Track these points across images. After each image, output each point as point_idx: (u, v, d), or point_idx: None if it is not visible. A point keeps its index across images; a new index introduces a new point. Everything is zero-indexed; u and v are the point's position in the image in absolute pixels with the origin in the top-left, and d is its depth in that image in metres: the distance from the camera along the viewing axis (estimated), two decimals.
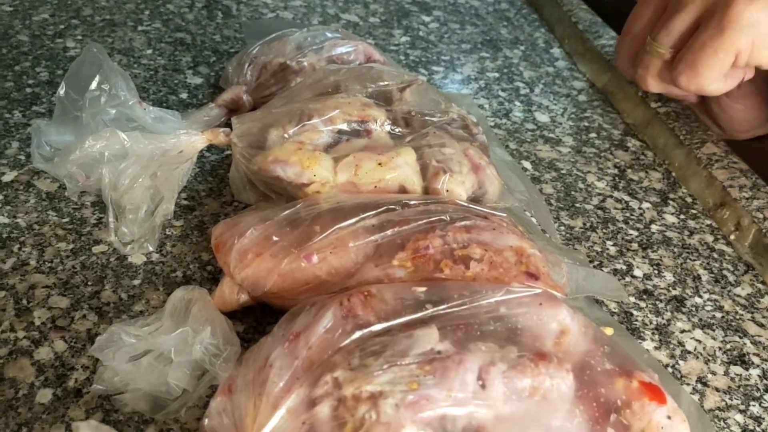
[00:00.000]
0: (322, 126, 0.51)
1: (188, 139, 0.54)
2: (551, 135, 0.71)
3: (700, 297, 0.54)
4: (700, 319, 0.52)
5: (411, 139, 0.52)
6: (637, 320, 0.51)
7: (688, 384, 0.47)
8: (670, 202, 0.64)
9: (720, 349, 0.50)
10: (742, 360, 0.49)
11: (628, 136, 0.72)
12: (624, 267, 0.56)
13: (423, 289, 0.41)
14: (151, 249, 0.53)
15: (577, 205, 0.62)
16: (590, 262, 0.56)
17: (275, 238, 0.45)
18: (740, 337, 0.51)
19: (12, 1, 0.85)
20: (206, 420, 0.39)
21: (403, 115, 0.54)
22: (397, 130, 0.53)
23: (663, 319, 0.52)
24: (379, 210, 0.45)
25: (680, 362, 0.49)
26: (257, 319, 0.48)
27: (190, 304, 0.46)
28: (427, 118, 0.54)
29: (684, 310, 0.53)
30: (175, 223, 0.56)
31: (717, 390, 0.47)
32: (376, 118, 0.53)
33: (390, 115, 0.53)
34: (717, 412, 0.45)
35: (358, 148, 0.50)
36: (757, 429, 0.45)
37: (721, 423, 0.45)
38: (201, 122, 0.63)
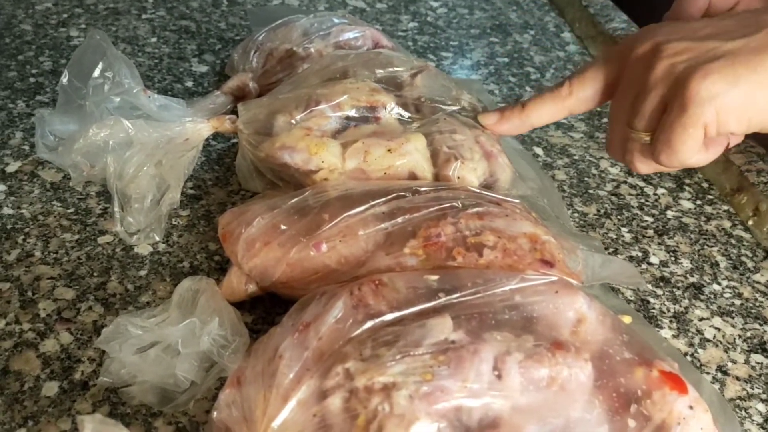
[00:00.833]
0: (330, 112, 0.50)
1: (194, 126, 0.53)
2: (563, 121, 0.70)
3: (719, 284, 0.53)
4: (719, 307, 0.51)
5: (421, 125, 0.51)
6: (654, 308, 0.50)
7: (707, 373, 0.46)
8: (686, 188, 0.62)
9: (740, 336, 0.49)
10: (763, 348, 0.48)
11: None
12: (640, 254, 0.55)
13: (435, 277, 0.40)
14: (157, 239, 0.52)
15: (591, 191, 0.61)
16: (605, 249, 0.54)
17: (283, 227, 0.44)
18: (760, 325, 0.50)
19: None
20: (215, 413, 0.38)
21: (413, 101, 0.53)
22: (406, 116, 0.52)
23: (681, 306, 0.51)
24: (389, 197, 0.44)
25: (699, 351, 0.48)
26: (266, 309, 0.48)
27: (197, 295, 0.45)
28: (437, 104, 0.53)
29: (702, 297, 0.52)
30: (182, 212, 0.55)
31: (737, 379, 0.46)
32: (385, 104, 0.51)
33: (399, 100, 0.52)
34: (738, 401, 0.44)
35: (366, 134, 0.49)
36: None
37: (743, 413, 0.44)
38: (206, 110, 0.62)
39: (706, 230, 0.58)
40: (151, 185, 0.51)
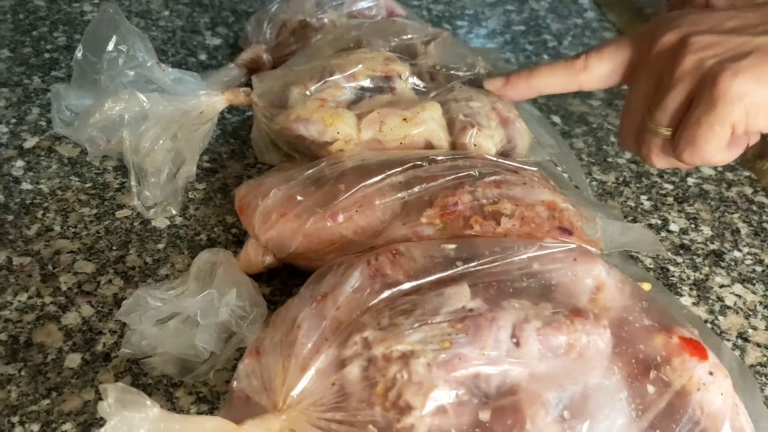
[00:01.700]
0: (344, 82, 0.50)
1: (208, 99, 0.53)
2: None
3: (740, 251, 0.52)
4: (740, 274, 0.50)
5: (436, 93, 0.50)
6: (674, 276, 0.50)
7: (728, 340, 0.46)
8: None
9: (761, 303, 0.48)
10: None
11: None
12: (659, 222, 0.54)
13: (452, 246, 0.39)
14: (174, 212, 0.52)
15: (609, 159, 0.60)
16: (624, 217, 0.54)
17: (299, 198, 0.44)
18: None
19: None
20: (235, 382, 0.38)
21: (428, 69, 0.52)
22: (422, 85, 0.51)
23: (701, 274, 0.50)
24: (406, 166, 0.44)
25: (720, 318, 0.47)
26: (283, 281, 0.48)
27: (215, 267, 0.45)
28: (452, 72, 0.52)
29: (723, 264, 0.51)
30: (198, 186, 0.55)
31: (758, 345, 0.45)
32: (400, 73, 0.51)
33: (414, 69, 0.52)
34: (759, 367, 0.44)
35: (382, 104, 0.49)
36: None
37: (763, 379, 0.43)
38: (221, 83, 0.61)
39: (727, 197, 0.57)
40: (166, 159, 0.51)
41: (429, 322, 0.35)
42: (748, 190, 0.58)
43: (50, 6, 0.76)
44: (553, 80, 0.48)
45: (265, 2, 0.72)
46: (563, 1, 0.84)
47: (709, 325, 0.46)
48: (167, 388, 0.41)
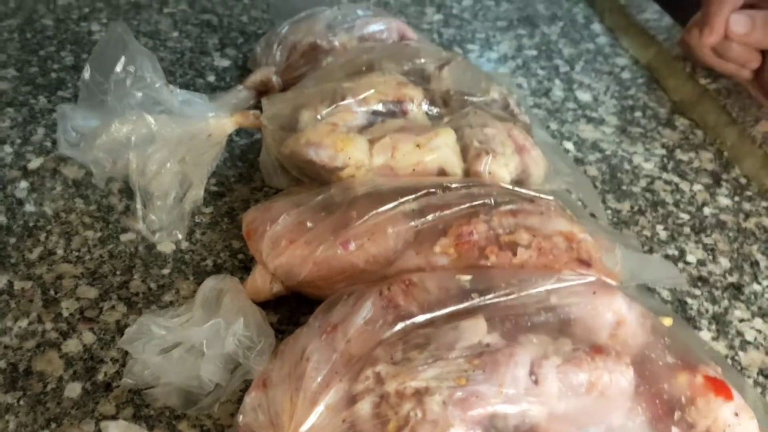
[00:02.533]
0: (356, 106, 0.49)
1: (217, 122, 0.52)
2: (594, 114, 0.68)
3: (759, 284, 0.51)
4: (760, 308, 0.49)
5: (450, 119, 0.49)
6: (692, 309, 0.48)
7: (749, 377, 0.44)
8: (723, 184, 0.60)
9: None
10: None
11: (675, 114, 0.68)
12: (676, 252, 0.53)
13: (468, 277, 0.38)
14: (180, 237, 0.51)
15: (624, 187, 0.59)
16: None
17: (309, 224, 0.43)
18: None
19: None
20: (240, 416, 0.37)
21: (441, 94, 0.51)
22: (435, 110, 0.50)
23: (720, 307, 0.49)
24: (419, 194, 0.43)
25: (740, 353, 0.46)
26: (291, 309, 0.46)
27: (221, 294, 0.44)
28: (466, 97, 0.51)
29: (742, 297, 0.50)
30: (205, 209, 0.54)
31: None
32: (413, 98, 0.50)
33: (427, 94, 0.51)
34: None
35: (394, 130, 0.48)
36: None
37: None
38: (229, 105, 0.61)
39: (745, 228, 0.56)
40: (173, 182, 0.50)
41: (444, 357, 0.33)
42: (767, 221, 0.56)
43: (58, 25, 0.75)
44: None
45: (275, 24, 0.71)
46: (575, 26, 0.83)
47: (729, 362, 0.45)
48: (170, 421, 0.39)
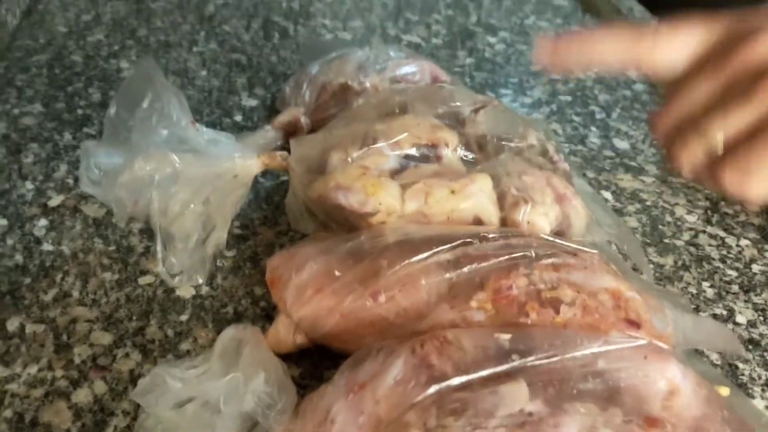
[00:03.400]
0: (388, 150, 0.47)
1: (243, 162, 0.50)
2: (632, 163, 0.65)
3: None
4: None
5: (486, 165, 0.47)
6: (743, 374, 0.45)
7: None
8: None
9: None
10: None
11: None
12: (725, 312, 0.50)
13: (507, 336, 0.35)
14: (200, 281, 0.49)
15: (666, 240, 0.56)
16: None
17: (337, 273, 0.40)
18: None
19: (67, 22, 0.83)
20: None
21: (476, 138, 0.49)
22: (470, 155, 0.48)
23: None
24: (454, 244, 0.40)
25: None
26: (315, 362, 0.44)
27: (241, 345, 0.41)
28: (503, 142, 0.49)
29: None
30: (227, 253, 0.52)
31: None
32: (448, 142, 0.48)
33: (462, 138, 0.49)
34: None
35: (427, 175, 0.46)
36: None
37: None
38: (256, 145, 0.59)
39: None
40: (196, 224, 0.48)
41: (483, 426, 0.31)
42: None
43: (87, 62, 0.75)
44: (611, 45, 0.38)
45: (304, 64, 0.70)
46: (610, 71, 0.81)
47: None
48: None
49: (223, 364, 0.40)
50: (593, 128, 0.70)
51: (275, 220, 0.55)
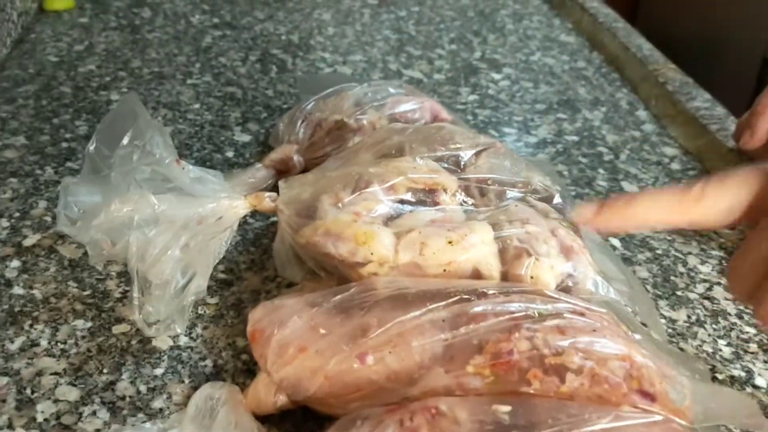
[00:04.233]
0: (382, 195, 0.44)
1: (229, 203, 0.47)
2: None
3: None
4: None
5: (487, 212, 0.44)
6: None
7: None
8: None
9: None
10: None
11: None
12: (743, 374, 0.46)
13: (507, 408, 0.32)
14: (179, 331, 0.45)
15: (679, 293, 0.53)
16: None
17: (323, 331, 0.37)
18: None
19: (59, 52, 0.81)
20: None
21: (477, 183, 0.46)
22: (470, 201, 0.45)
23: None
24: (450, 300, 0.37)
25: None
26: (297, 424, 0.40)
27: (217, 405, 0.38)
28: (506, 188, 0.46)
29: None
30: (209, 300, 0.48)
31: None
32: (446, 187, 0.45)
33: (462, 183, 0.45)
34: None
35: (424, 223, 0.42)
36: None
37: None
38: (245, 184, 0.56)
39: None
40: (175, 270, 0.44)
41: None
42: None
43: (76, 93, 0.72)
44: (658, 210, 0.38)
45: (301, 99, 0.67)
46: (619, 111, 0.78)
47: None
48: None
49: (196, 427, 0.37)
50: (601, 170, 0.67)
51: (262, 264, 0.52)
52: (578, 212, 0.41)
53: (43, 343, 0.44)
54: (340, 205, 0.43)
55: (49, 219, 0.55)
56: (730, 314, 0.51)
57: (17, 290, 0.48)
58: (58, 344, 0.44)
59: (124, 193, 0.46)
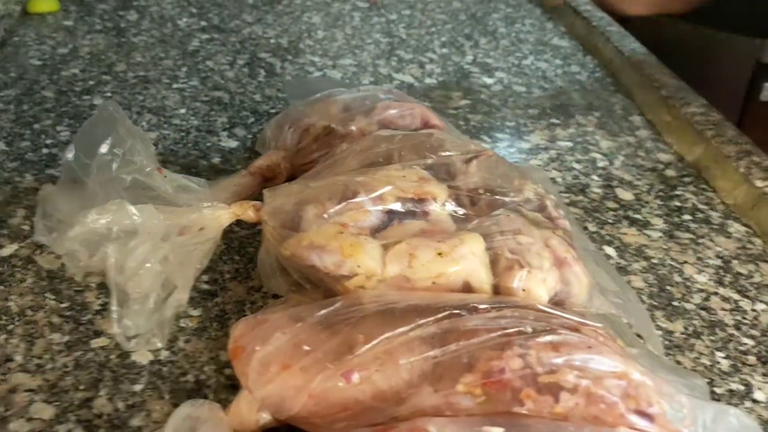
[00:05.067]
0: (369, 204, 0.42)
1: (212, 213, 0.46)
2: (637, 216, 0.61)
3: None
4: None
5: (478, 223, 0.42)
6: None
7: None
8: None
9: None
10: None
11: (729, 219, 0.61)
12: (741, 387, 0.45)
13: (499, 430, 0.31)
14: (159, 345, 0.44)
15: (675, 303, 0.51)
16: None
17: (306, 348, 0.36)
18: None
19: (42, 56, 0.79)
20: None
21: (468, 192, 0.45)
22: (461, 211, 0.43)
23: None
24: (440, 315, 0.35)
25: None
26: None
27: (196, 425, 0.36)
28: (497, 197, 0.44)
29: None
30: (192, 312, 0.47)
31: None
32: (436, 196, 0.43)
33: (453, 192, 0.44)
34: None
35: (413, 234, 0.41)
36: None
37: None
38: (231, 192, 0.55)
39: None
40: (155, 283, 0.43)
41: None
42: None
43: (58, 98, 0.71)
44: None
45: (290, 104, 0.66)
46: (613, 117, 0.77)
47: None
48: None
49: None
50: (595, 177, 0.66)
51: (247, 274, 0.51)
52: None
53: (18, 358, 0.42)
54: (325, 215, 0.42)
55: (27, 228, 0.53)
56: (727, 325, 0.50)
57: None
58: (34, 359, 0.42)
59: (102, 204, 0.44)
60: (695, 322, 0.50)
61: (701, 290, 0.53)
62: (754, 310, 0.51)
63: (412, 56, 0.89)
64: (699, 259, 0.56)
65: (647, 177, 0.66)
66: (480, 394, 0.33)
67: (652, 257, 0.56)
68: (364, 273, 0.39)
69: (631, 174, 0.67)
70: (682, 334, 0.49)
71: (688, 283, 0.53)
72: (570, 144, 0.71)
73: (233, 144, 0.66)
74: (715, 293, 0.53)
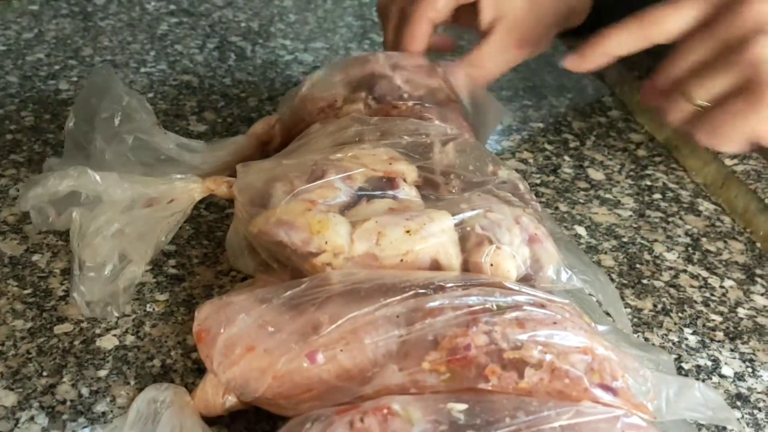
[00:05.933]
0: (339, 182, 0.42)
1: (184, 185, 0.44)
2: (608, 195, 0.61)
3: None
4: None
5: (448, 200, 0.42)
6: None
7: None
8: (758, 280, 0.53)
9: None
10: None
11: (699, 198, 0.61)
12: (709, 363, 0.45)
13: (463, 407, 0.30)
14: (115, 314, 0.43)
15: (645, 281, 0.51)
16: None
17: (271, 329, 0.35)
18: None
19: (6, 41, 0.78)
20: None
21: (441, 171, 0.44)
22: (431, 191, 0.43)
23: None
24: (406, 295, 0.35)
25: None
26: (249, 424, 0.39)
27: (161, 409, 0.36)
28: (470, 178, 0.44)
29: None
30: (159, 296, 0.46)
31: None
32: (406, 176, 0.43)
33: (424, 172, 0.44)
34: None
35: (381, 212, 0.41)
36: None
37: None
38: (228, 151, 0.53)
39: None
40: (111, 253, 0.42)
41: None
42: None
43: (23, 83, 0.69)
44: (623, 39, 0.48)
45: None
46: (585, 98, 0.77)
47: None
48: None
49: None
50: (566, 157, 0.66)
51: (216, 258, 0.50)
52: (566, 62, 0.51)
53: None
54: (294, 192, 0.41)
55: None
56: (696, 302, 0.50)
57: None
58: None
59: (110, 166, 0.44)
60: (664, 299, 0.50)
61: (670, 268, 0.53)
62: (722, 287, 0.52)
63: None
64: (669, 237, 0.56)
65: (618, 157, 0.67)
66: (445, 371, 0.33)
67: (623, 236, 0.56)
68: (331, 250, 0.38)
69: (602, 154, 0.67)
70: (651, 311, 0.49)
71: (658, 261, 0.54)
72: (542, 125, 0.71)
73: (202, 128, 0.65)
74: (684, 270, 0.53)
